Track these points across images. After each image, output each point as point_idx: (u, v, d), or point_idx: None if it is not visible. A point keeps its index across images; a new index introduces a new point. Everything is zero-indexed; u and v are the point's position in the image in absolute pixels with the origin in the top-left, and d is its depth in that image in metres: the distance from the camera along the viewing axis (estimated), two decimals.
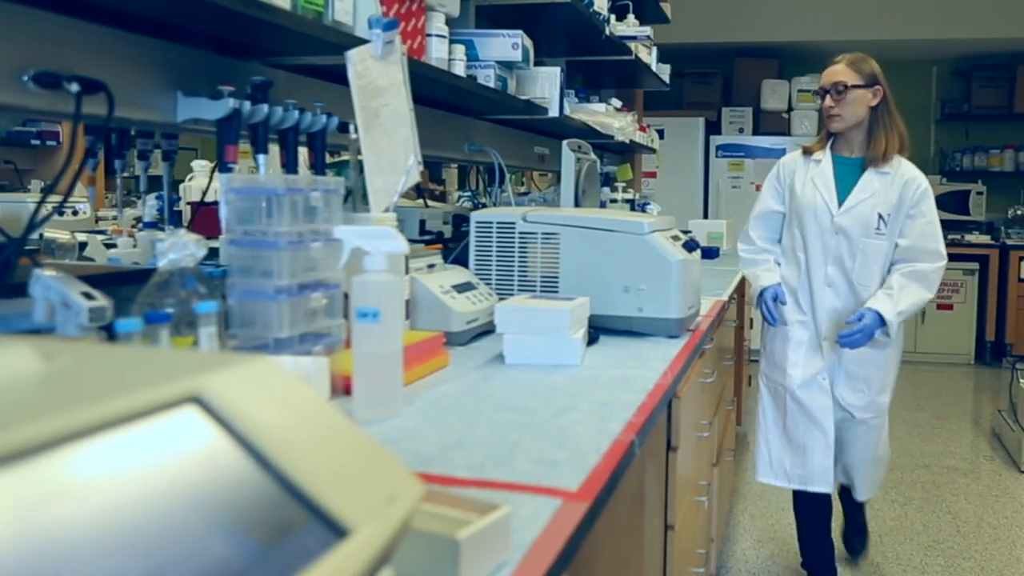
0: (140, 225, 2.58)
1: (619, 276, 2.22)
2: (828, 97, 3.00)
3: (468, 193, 4.56)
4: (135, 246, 2.36)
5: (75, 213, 3.63)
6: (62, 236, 2.50)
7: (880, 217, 2.97)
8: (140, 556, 0.48)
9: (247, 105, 1.70)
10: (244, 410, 0.60)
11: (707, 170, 8.02)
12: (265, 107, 1.75)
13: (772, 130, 7.96)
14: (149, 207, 2.55)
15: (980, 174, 8.07)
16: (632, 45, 4.45)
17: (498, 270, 2.34)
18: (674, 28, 5.82)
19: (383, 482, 0.65)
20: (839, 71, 3.01)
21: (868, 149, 3.03)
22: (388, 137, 1.98)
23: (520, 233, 2.32)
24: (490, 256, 2.35)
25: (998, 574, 3.57)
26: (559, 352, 1.86)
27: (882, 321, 2.88)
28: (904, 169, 3.03)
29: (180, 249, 1.34)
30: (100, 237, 2.55)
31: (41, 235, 2.26)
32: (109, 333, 1.43)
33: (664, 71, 5.43)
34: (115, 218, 3.99)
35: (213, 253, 2.33)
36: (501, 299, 2.28)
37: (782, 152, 7.83)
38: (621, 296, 2.22)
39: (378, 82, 1.93)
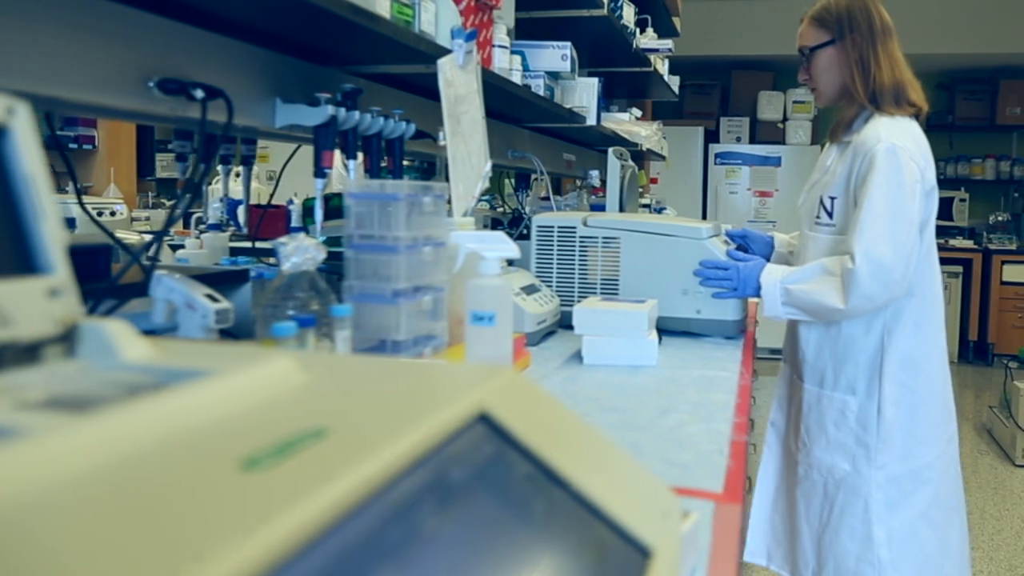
0: (203, 227, 2.53)
1: (678, 279, 2.18)
2: (801, 69, 2.25)
3: (487, 198, 4.51)
4: (201, 247, 2.31)
5: (112, 214, 3.58)
6: (131, 237, 2.45)
7: (821, 202, 2.14)
8: None
9: (342, 112, 1.66)
10: (525, 427, 0.56)
11: (706, 176, 8.00)
12: (356, 114, 1.71)
13: (768, 139, 7.95)
14: (214, 209, 2.50)
15: (963, 182, 8.08)
16: (652, 57, 4.42)
17: (559, 272, 2.30)
18: (676, 41, 5.78)
19: (654, 496, 0.61)
20: (800, 32, 2.23)
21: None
22: (466, 144, 1.93)
23: (581, 237, 2.28)
24: (551, 259, 2.31)
25: (1007, 564, 3.55)
26: (637, 353, 1.83)
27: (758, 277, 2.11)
28: (866, 131, 2.06)
29: (302, 253, 1.30)
30: (164, 239, 2.49)
31: (111, 235, 2.21)
32: (224, 335, 1.38)
33: (674, 82, 5.41)
34: (147, 219, 3.94)
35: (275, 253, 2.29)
36: (563, 301, 2.24)
37: (777, 160, 7.84)
38: (680, 298, 2.18)
39: (459, 91, 1.89)
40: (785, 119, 8.00)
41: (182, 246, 2.34)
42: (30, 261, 0.62)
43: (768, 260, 2.27)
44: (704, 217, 7.77)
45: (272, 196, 2.39)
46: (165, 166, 8.29)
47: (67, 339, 0.63)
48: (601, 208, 3.50)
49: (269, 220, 2.72)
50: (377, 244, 1.34)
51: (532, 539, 0.48)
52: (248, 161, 2.07)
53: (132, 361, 0.62)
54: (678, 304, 2.18)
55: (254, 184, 3.09)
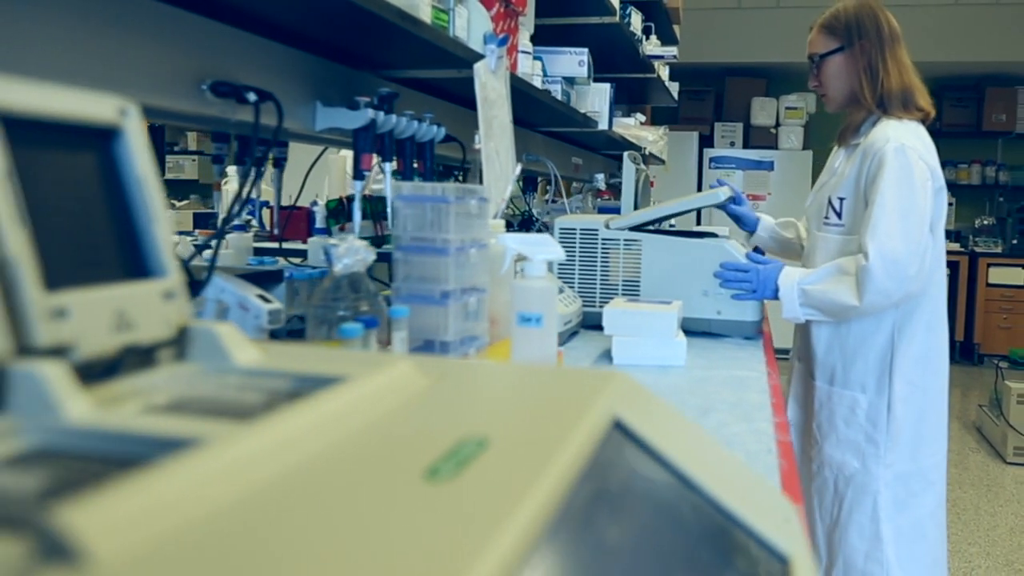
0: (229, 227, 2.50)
1: (699, 280, 2.17)
2: (810, 75, 2.25)
3: None
4: (227, 247, 2.29)
5: None
6: None
7: (830, 203, 2.15)
8: None
9: (380, 115, 1.64)
10: (653, 433, 0.54)
11: (700, 180, 8.00)
12: (393, 117, 1.69)
13: (761, 144, 7.95)
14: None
15: (950, 186, 8.01)
16: (656, 64, 4.41)
17: (580, 274, 2.28)
18: None
19: (772, 501, 0.59)
20: (810, 39, 2.24)
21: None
22: (496, 147, 1.92)
23: (603, 239, 2.27)
24: (572, 261, 2.29)
25: (1004, 559, 3.55)
26: (666, 354, 1.81)
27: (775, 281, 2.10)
28: (874, 134, 2.06)
29: (353, 254, 1.28)
30: (188, 239, 2.47)
31: None
32: (272, 335, 1.36)
33: (674, 88, 5.40)
34: None
35: (301, 253, 2.27)
36: (585, 302, 2.22)
37: (770, 164, 7.84)
38: (700, 299, 2.17)
39: (490, 95, 1.87)
40: (777, 124, 8.00)
41: (208, 246, 2.32)
42: (144, 264, 0.60)
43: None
44: (698, 220, 7.76)
45: (298, 198, 2.36)
46: (171, 167, 8.26)
47: (179, 342, 0.61)
48: (609, 210, 3.48)
49: (292, 221, 2.70)
50: (427, 246, 1.32)
51: (684, 548, 0.47)
52: (280, 163, 2.04)
53: (243, 364, 0.60)
54: (698, 305, 2.17)
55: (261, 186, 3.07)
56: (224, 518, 0.33)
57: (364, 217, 2.57)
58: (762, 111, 8.01)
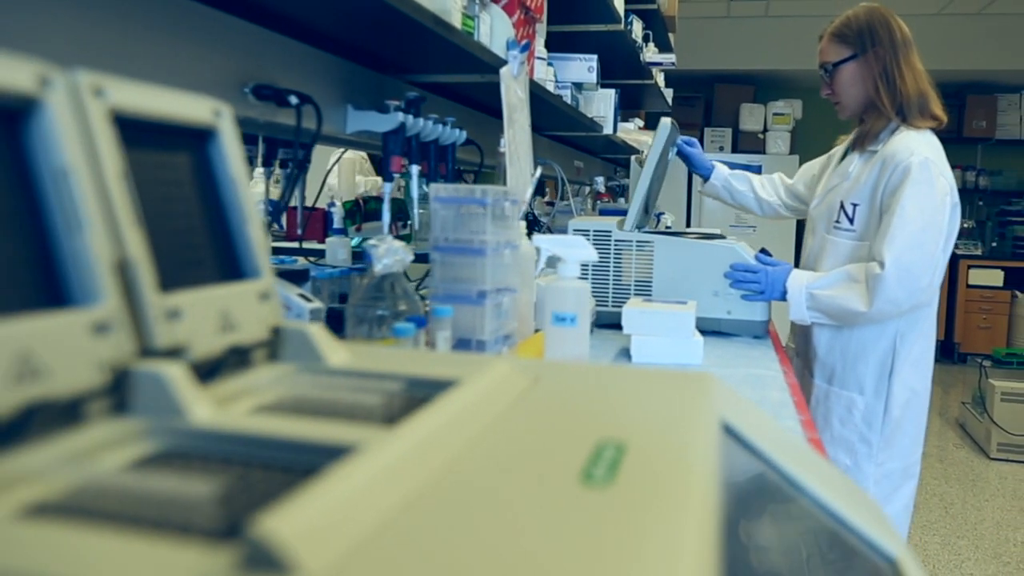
0: None
1: (709, 281, 2.16)
2: (823, 84, 2.20)
3: None
4: None
5: None
6: None
7: (842, 207, 2.10)
8: None
9: (409, 118, 1.63)
10: (756, 436, 0.53)
11: (690, 183, 7.99)
12: (420, 121, 1.68)
13: (749, 148, 7.95)
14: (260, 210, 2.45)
15: None
16: (654, 70, 4.40)
17: (594, 274, 2.27)
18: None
19: (863, 501, 0.58)
20: (821, 48, 2.18)
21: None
22: (517, 150, 1.90)
23: (616, 241, 2.25)
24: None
25: (992, 552, 3.56)
26: (684, 352, 1.80)
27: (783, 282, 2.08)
28: (894, 144, 2.01)
29: (392, 255, 1.26)
30: None
31: None
32: None
33: (668, 94, 5.39)
34: None
35: (318, 253, 2.25)
36: (598, 302, 2.21)
37: (758, 169, 7.79)
38: (711, 299, 2.16)
39: (512, 99, 1.86)
40: (765, 130, 8.01)
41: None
42: (240, 265, 0.59)
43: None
44: (688, 222, 7.77)
45: (317, 199, 2.34)
46: None
47: (272, 342, 0.59)
48: (609, 212, 3.47)
49: (309, 222, 2.68)
50: (464, 247, 1.31)
51: (809, 548, 0.46)
52: (304, 166, 2.03)
53: (335, 365, 0.59)
54: (709, 305, 2.16)
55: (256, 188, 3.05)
56: (404, 523, 0.31)
57: (377, 219, 2.56)
58: (750, 117, 8.02)
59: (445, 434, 0.40)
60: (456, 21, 1.53)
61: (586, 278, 2.24)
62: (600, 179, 4.33)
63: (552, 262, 1.46)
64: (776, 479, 0.51)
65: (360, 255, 1.86)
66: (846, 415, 2.15)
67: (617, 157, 4.64)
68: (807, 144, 7.48)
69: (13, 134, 0.46)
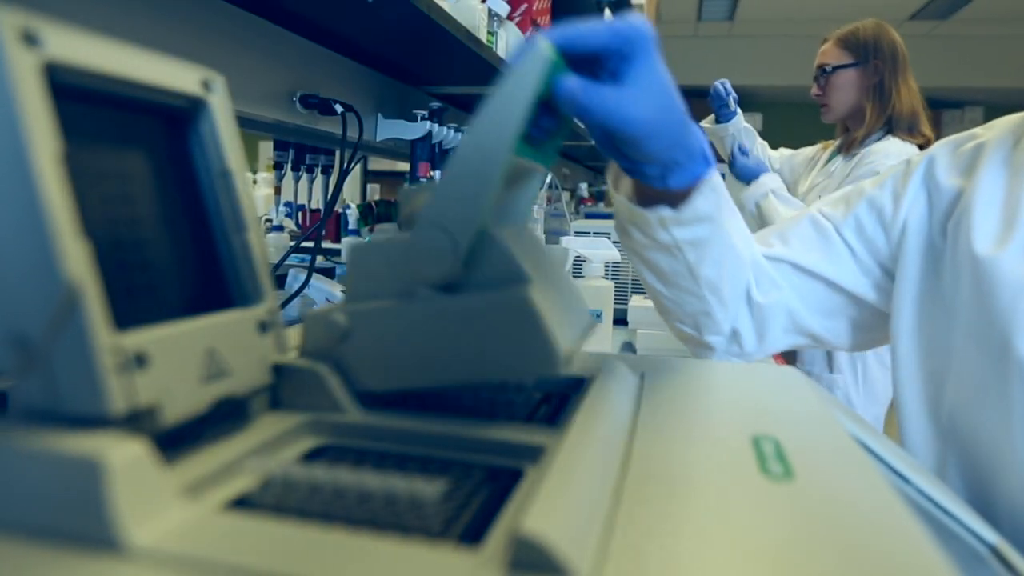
0: (268, 227, 2.45)
1: None
2: (814, 83, 2.15)
3: None
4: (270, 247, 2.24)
5: None
6: None
7: None
8: None
9: (435, 126, 1.61)
10: (854, 427, 0.52)
11: None
12: (444, 129, 1.66)
13: (716, 158, 7.98)
14: (280, 211, 2.42)
15: None
16: None
17: None
18: None
19: (946, 488, 0.57)
20: (823, 50, 2.13)
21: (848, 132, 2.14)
22: None
23: (614, 241, 2.24)
24: None
25: None
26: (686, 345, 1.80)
27: None
28: (876, 147, 2.01)
29: None
30: None
31: None
32: None
33: None
34: None
35: (334, 252, 2.22)
36: None
37: (722, 176, 7.87)
38: None
39: None
40: None
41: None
42: (230, 287, 0.45)
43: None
44: None
45: (334, 202, 2.31)
46: None
47: (273, 386, 0.52)
48: (594, 216, 3.47)
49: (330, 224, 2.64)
50: None
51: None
52: (327, 170, 2.00)
53: (358, 418, 0.56)
54: None
55: (267, 191, 3.01)
56: (631, 519, 0.30)
57: (388, 220, 2.54)
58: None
59: (613, 432, 0.39)
60: (483, 36, 1.51)
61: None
62: (584, 185, 4.33)
63: (576, 262, 1.45)
64: (885, 469, 0.50)
65: None
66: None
67: (597, 165, 4.64)
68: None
69: (180, 136, 0.43)
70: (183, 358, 0.36)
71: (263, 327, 0.43)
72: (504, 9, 1.63)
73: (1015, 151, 0.76)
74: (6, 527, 0.29)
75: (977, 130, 0.82)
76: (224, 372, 0.39)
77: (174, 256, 0.41)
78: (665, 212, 0.67)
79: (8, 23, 0.31)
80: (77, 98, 0.36)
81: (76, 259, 0.31)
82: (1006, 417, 0.68)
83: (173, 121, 0.43)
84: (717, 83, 2.42)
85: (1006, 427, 0.68)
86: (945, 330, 0.76)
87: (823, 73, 2.11)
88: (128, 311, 0.34)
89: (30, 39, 0.32)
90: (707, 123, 2.50)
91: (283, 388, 0.44)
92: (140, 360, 0.34)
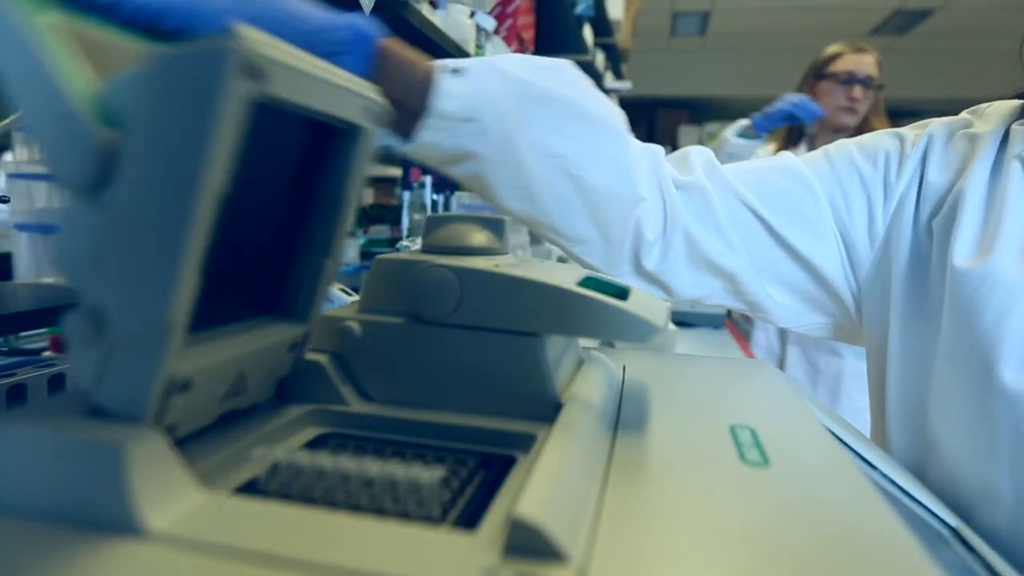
0: None
1: None
2: (858, 88, 2.03)
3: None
4: None
5: None
6: None
7: None
8: None
9: None
10: (825, 417, 0.52)
11: None
12: None
13: None
14: None
15: None
16: (613, 96, 4.41)
17: None
18: None
19: (909, 474, 0.58)
20: (872, 63, 2.04)
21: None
22: None
23: None
24: None
25: None
26: (660, 341, 1.80)
27: None
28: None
29: None
30: None
31: None
32: None
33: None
34: None
35: None
36: None
37: None
38: None
39: None
40: None
41: None
42: (283, 301, 0.45)
43: None
44: None
45: None
46: None
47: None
48: None
49: None
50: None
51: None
52: None
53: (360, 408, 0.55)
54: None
55: None
56: (619, 507, 0.30)
57: (382, 223, 2.53)
58: (687, 137, 8.08)
59: (599, 421, 0.39)
60: (471, 50, 1.51)
61: None
62: None
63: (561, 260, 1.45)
64: (853, 456, 0.50)
65: (369, 254, 1.84)
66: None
67: None
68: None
69: (322, 146, 0.40)
70: (217, 384, 0.36)
71: (293, 347, 0.42)
72: (491, 24, 1.63)
73: (1003, 150, 0.66)
74: (30, 511, 0.29)
75: (970, 116, 0.71)
76: (241, 392, 0.39)
77: (255, 256, 0.39)
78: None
79: (235, 52, 0.28)
80: (257, 110, 0.32)
81: (183, 293, 0.30)
82: (989, 447, 0.57)
83: (324, 133, 0.40)
84: (790, 97, 2.21)
85: (990, 457, 0.57)
86: (928, 348, 0.64)
87: (870, 85, 2.03)
88: (202, 308, 0.32)
89: (253, 72, 0.29)
90: (731, 134, 2.31)
91: (288, 380, 0.43)
92: (184, 386, 0.33)
